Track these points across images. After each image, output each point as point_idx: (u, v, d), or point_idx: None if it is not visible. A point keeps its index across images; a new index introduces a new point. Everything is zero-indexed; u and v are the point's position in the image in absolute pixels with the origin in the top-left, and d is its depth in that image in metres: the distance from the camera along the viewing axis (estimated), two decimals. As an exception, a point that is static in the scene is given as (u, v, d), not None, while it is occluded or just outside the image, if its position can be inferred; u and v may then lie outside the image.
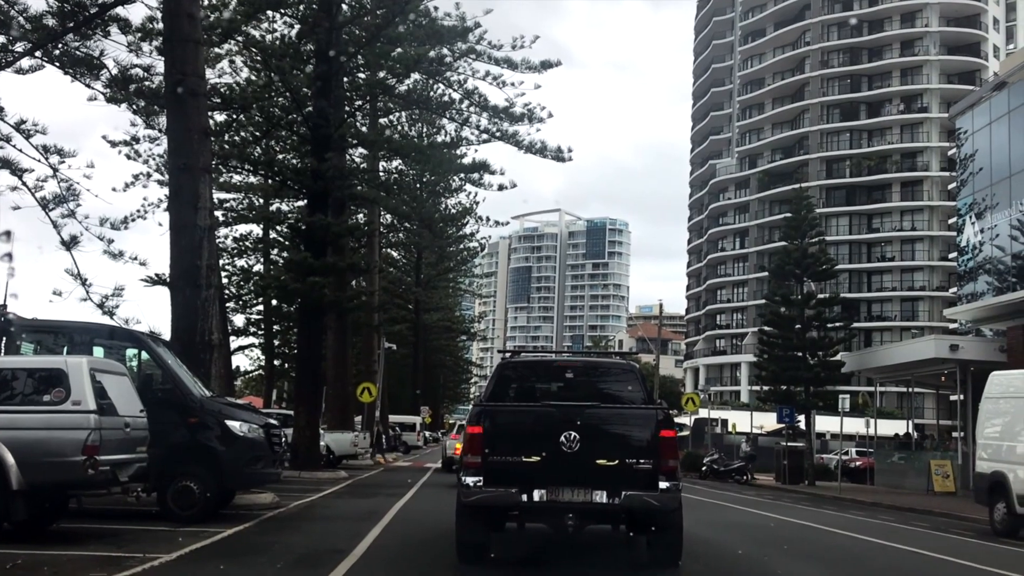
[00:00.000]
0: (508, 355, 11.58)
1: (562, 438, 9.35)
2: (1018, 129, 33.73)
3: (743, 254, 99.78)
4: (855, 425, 39.94)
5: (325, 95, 28.39)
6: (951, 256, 76.29)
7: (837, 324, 39.46)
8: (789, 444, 38.89)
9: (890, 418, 53.39)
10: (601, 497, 9.32)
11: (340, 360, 36.67)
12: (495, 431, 9.67)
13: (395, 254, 61.58)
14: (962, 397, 33.68)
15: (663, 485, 9.34)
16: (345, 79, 31.22)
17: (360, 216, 43.16)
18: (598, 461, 9.40)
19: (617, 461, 9.44)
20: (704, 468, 39.79)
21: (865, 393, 64.54)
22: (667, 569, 10.09)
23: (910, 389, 42.51)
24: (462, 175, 36.78)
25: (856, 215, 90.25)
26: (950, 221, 79.15)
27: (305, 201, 31.44)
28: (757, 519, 19.44)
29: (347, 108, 31.60)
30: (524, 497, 9.36)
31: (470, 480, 9.50)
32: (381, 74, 30.69)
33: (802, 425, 39.31)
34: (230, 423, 14.01)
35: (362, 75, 32.26)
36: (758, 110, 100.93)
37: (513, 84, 30.07)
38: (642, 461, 9.43)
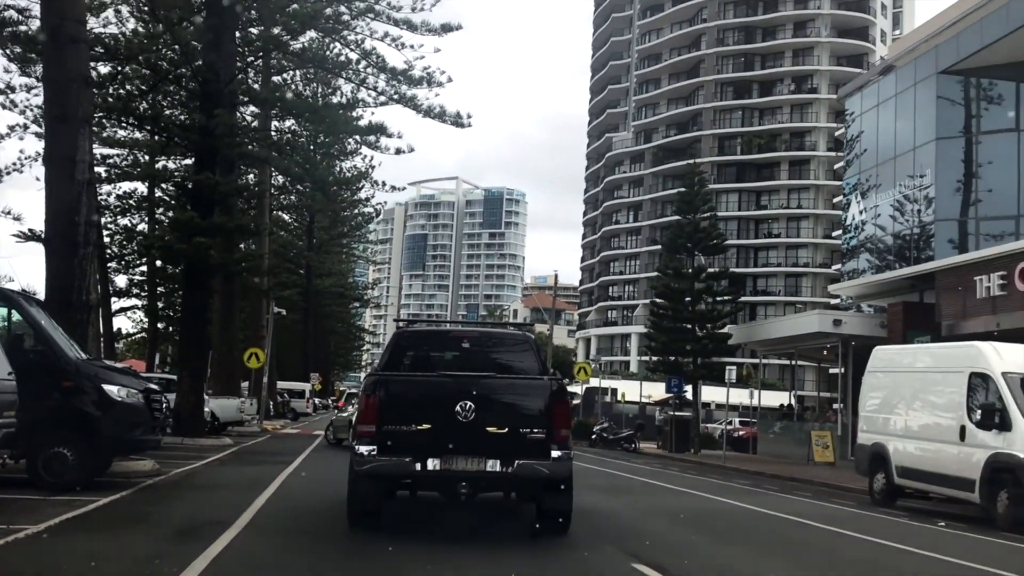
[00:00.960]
0: (404, 324, 11.61)
1: (457, 408, 9.45)
2: (903, 112, 34.86)
3: (636, 227, 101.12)
4: (739, 396, 40.96)
5: (216, 49, 27.26)
6: (835, 234, 78.93)
7: (726, 297, 40.33)
8: (676, 413, 39.67)
9: (772, 389, 54.99)
10: (495, 466, 9.46)
11: (227, 324, 35.68)
12: (390, 401, 9.70)
13: (287, 217, 60.10)
14: (843, 370, 34.86)
15: (555, 454, 9.54)
16: (237, 34, 30.07)
17: (251, 176, 41.98)
18: (492, 430, 9.52)
19: (511, 431, 9.59)
20: (594, 436, 40.29)
21: (749, 365, 66.43)
22: (557, 535, 10.24)
23: (793, 362, 43.84)
24: (358, 137, 35.95)
25: (745, 192, 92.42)
26: (835, 200, 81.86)
27: (193, 159, 30.30)
28: (647, 488, 19.68)
29: (239, 64, 30.46)
30: (418, 466, 9.45)
31: (364, 449, 9.53)
32: (275, 30, 29.68)
33: (689, 395, 40.12)
34: (107, 387, 13.32)
35: (255, 30, 31.18)
36: (655, 85, 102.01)
37: (412, 47, 29.52)
38: (535, 431, 9.60)
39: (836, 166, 78.91)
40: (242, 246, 38.38)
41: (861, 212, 37.74)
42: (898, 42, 44.83)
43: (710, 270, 40.43)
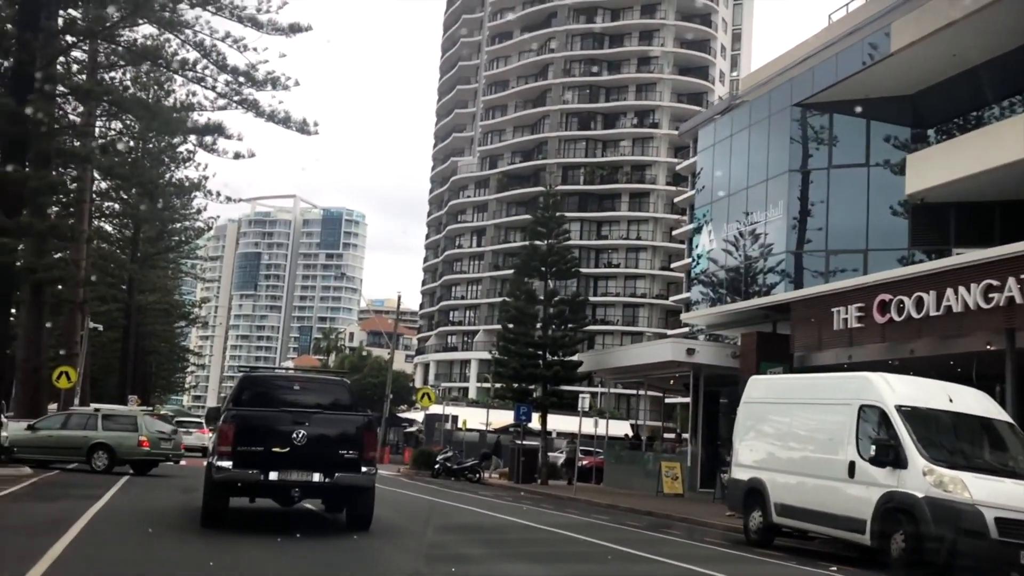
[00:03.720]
0: (249, 370, 16.96)
1: (293, 434, 12.75)
2: (756, 144, 34.77)
3: (479, 252, 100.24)
4: (579, 424, 40.11)
5: (31, 26, 24.24)
6: (673, 266, 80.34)
7: (576, 325, 39.40)
8: (524, 443, 38.34)
9: (611, 418, 54.57)
10: (320, 477, 12.83)
11: (33, 339, 31.86)
12: (242, 429, 12.79)
13: (109, 227, 55.62)
14: (692, 400, 34.40)
15: (364, 469, 13.10)
16: (60, 15, 27.05)
17: (69, 178, 38.35)
18: (318, 452, 12.90)
19: (331, 452, 13.04)
20: (437, 466, 38.30)
21: (590, 393, 66.16)
22: (360, 531, 13.24)
23: (640, 392, 43.33)
24: (194, 140, 33.40)
25: (587, 221, 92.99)
26: (673, 232, 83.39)
27: (-1, 149, 26.95)
28: (518, 529, 18.07)
29: (62, 46, 27.37)
30: (262, 476, 12.62)
31: (223, 463, 12.56)
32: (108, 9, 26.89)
33: (534, 424, 38.92)
34: None
35: (77, 12, 28.17)
36: (501, 111, 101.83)
37: (256, 50, 27.52)
38: (350, 452, 13.06)
39: (676, 200, 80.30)
40: (58, 256, 34.92)
41: (711, 242, 37.69)
42: (751, 75, 45.44)
43: (562, 296, 39.51)
